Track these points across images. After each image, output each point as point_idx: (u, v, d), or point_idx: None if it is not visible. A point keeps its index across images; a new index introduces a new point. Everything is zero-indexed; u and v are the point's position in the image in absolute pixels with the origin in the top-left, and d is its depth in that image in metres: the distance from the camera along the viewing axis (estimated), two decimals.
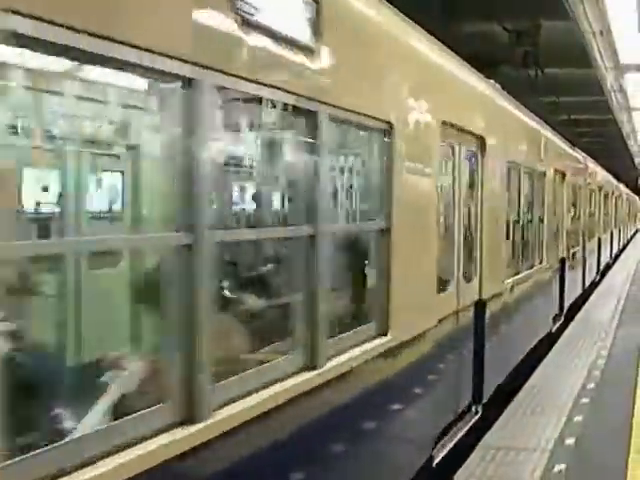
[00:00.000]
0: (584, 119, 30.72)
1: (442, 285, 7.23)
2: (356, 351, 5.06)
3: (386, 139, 5.57)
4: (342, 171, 6.12)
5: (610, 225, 29.96)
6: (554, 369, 10.96)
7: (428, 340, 6.52)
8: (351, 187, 6.35)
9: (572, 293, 17.09)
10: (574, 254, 17.78)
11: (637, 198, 55.97)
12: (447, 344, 7.22)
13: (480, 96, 8.96)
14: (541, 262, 13.06)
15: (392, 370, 5.76)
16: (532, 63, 17.44)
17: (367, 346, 5.24)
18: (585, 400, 9.06)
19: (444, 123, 6.93)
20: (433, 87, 6.86)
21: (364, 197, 6.21)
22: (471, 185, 8.41)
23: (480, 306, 8.47)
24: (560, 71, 19.91)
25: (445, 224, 7.61)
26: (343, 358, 4.83)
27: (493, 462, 7.03)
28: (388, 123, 5.52)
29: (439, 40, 7.33)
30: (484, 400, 8.56)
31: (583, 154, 20.55)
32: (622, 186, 39.58)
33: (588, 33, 15.11)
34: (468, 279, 8.20)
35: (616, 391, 9.54)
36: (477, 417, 8.32)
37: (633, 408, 8.67)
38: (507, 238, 10.22)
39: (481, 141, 8.47)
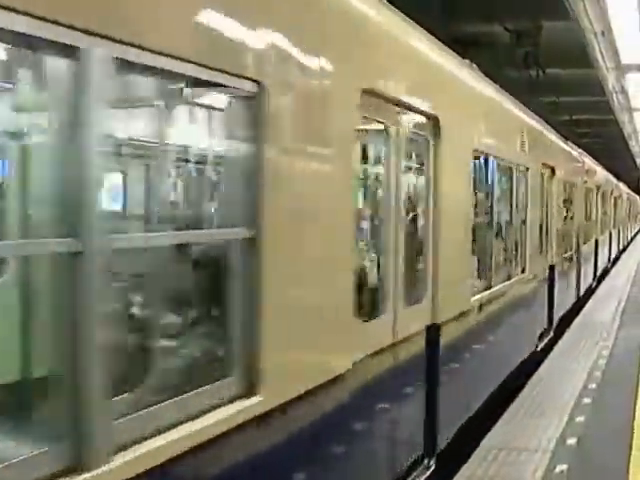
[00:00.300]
0: (585, 119, 30.72)
1: (367, 312, 5.57)
2: (189, 428, 3.27)
3: (250, 107, 3.77)
4: (160, 153, 4.38)
5: (609, 226, 28.69)
6: (555, 369, 10.95)
7: (337, 391, 4.69)
8: (181, 178, 4.73)
9: (564, 303, 15.55)
10: (566, 259, 16.21)
11: (638, 198, 55.82)
12: (376, 390, 5.49)
13: (436, 67, 7.19)
14: (523, 271, 11.22)
15: (267, 445, 3.91)
16: (533, 63, 17.45)
17: (217, 416, 3.44)
18: (587, 400, 9.06)
19: (368, 92, 5.08)
20: (347, 39, 4.95)
21: (208, 194, 4.47)
22: (419, 179, 6.79)
23: (433, 332, 6.70)
24: (561, 71, 19.91)
25: (372, 231, 6.02)
26: (155, 444, 3.07)
27: (495, 462, 7.03)
28: (255, 82, 3.72)
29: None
30: (439, 449, 6.88)
31: (579, 150, 19.58)
32: (622, 185, 38.99)
33: (589, 33, 15.12)
34: (415, 300, 6.46)
35: (618, 391, 9.54)
36: (430, 472, 6.67)
37: (634, 408, 8.66)
38: (475, 246, 8.53)
39: (434, 123, 6.64)
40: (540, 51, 16.59)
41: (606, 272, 26.18)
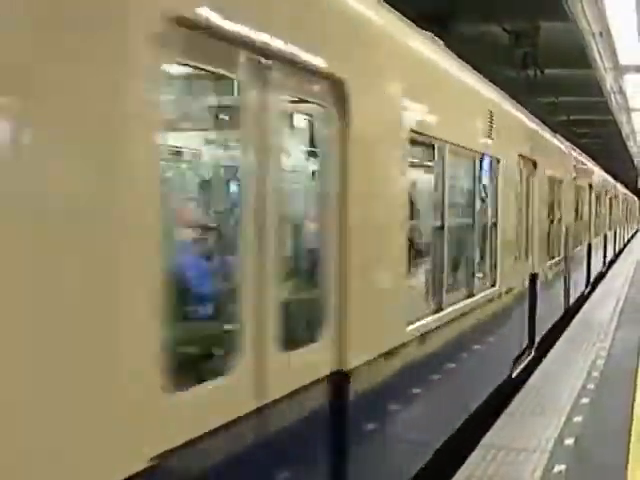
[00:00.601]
0: (583, 120, 30.82)
1: (197, 372, 3.69)
2: None
3: None
4: None
5: (603, 228, 26.85)
6: (554, 369, 10.98)
7: None
8: None
9: (548, 317, 13.46)
10: (553, 266, 14.32)
11: (636, 199, 55.75)
12: None
13: (347, 12, 5.05)
14: (493, 285, 9.14)
15: None
16: (531, 64, 17.49)
17: None
18: (585, 400, 9.09)
19: (183, 22, 3.15)
20: None
21: None
22: (315, 168, 5.02)
23: (338, 384, 4.65)
24: (559, 72, 19.97)
25: (211, 244, 4.30)
26: None
27: (494, 462, 7.05)
28: None
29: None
30: None
31: (567, 144, 17.59)
32: (619, 185, 37.96)
33: (587, 34, 15.18)
34: (303, 339, 4.45)
35: (616, 391, 9.57)
36: None
37: (632, 408, 8.68)
38: (415, 258, 6.69)
39: (337, 89, 4.59)
40: (538, 52, 16.64)
41: (601, 276, 24.78)
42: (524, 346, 11.31)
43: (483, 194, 8.94)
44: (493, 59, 16.20)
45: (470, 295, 8.16)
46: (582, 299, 18.76)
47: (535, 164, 11.90)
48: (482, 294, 8.56)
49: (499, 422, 8.40)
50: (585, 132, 33.54)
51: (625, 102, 25.49)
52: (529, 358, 11.47)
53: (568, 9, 13.30)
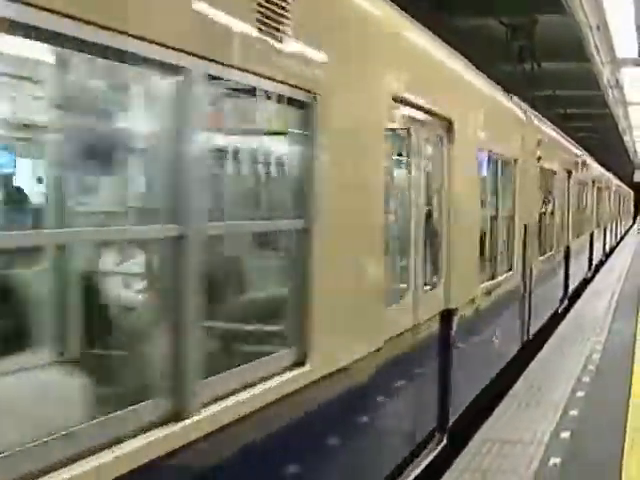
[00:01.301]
0: (580, 113, 30.80)
1: None
2: None
3: None
4: None
5: (589, 226, 22.78)
6: (550, 363, 10.99)
7: None
8: None
9: (480, 375, 8.87)
10: (495, 288, 9.49)
11: (631, 192, 55.55)
12: None
13: None
14: (300, 363, 4.23)
15: None
16: (528, 57, 17.48)
17: None
18: (580, 394, 9.10)
19: None
20: None
21: None
22: None
23: None
24: (556, 65, 19.96)
25: None
26: None
27: (489, 454, 7.06)
28: None
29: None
30: None
31: (528, 108, 12.47)
32: (612, 176, 34.60)
33: (585, 27, 15.14)
34: None
35: (611, 385, 9.59)
36: None
37: (628, 402, 8.70)
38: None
39: None
40: (535, 45, 16.63)
41: (585, 283, 20.77)
42: (421, 438, 6.75)
43: (256, 171, 4.80)
44: (490, 53, 16.18)
45: (179, 418, 3.26)
46: (557, 318, 14.87)
47: (451, 124, 7.26)
48: (235, 400, 3.64)
49: (495, 414, 8.41)
50: (582, 126, 33.53)
51: (622, 96, 25.45)
52: (435, 452, 6.98)
53: (565, 2, 13.27)
